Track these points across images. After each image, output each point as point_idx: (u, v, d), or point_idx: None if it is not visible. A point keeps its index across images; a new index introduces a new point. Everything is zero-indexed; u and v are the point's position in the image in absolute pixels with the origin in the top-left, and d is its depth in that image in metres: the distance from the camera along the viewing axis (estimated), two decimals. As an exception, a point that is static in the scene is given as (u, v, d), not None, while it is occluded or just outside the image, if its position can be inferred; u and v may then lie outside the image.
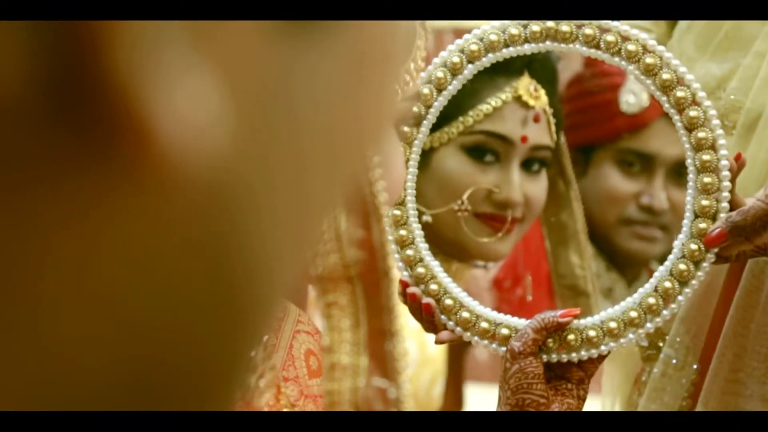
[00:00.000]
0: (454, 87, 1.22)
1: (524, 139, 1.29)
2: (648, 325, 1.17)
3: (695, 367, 1.33)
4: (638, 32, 1.16)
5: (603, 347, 1.18)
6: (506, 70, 1.28)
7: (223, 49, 0.23)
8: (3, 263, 0.23)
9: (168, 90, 0.22)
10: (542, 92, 1.31)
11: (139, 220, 0.24)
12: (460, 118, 1.29)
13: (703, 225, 1.15)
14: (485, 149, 1.30)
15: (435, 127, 1.27)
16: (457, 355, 2.18)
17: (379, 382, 0.46)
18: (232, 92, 0.24)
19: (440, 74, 1.21)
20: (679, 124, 1.16)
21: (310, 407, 0.76)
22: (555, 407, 1.15)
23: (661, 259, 1.19)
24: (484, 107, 1.29)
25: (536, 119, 1.30)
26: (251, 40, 0.24)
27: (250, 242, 0.25)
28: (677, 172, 1.54)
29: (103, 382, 0.24)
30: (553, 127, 1.32)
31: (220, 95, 0.23)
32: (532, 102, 1.30)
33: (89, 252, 0.23)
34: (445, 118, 1.27)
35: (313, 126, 0.26)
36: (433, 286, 1.21)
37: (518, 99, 1.29)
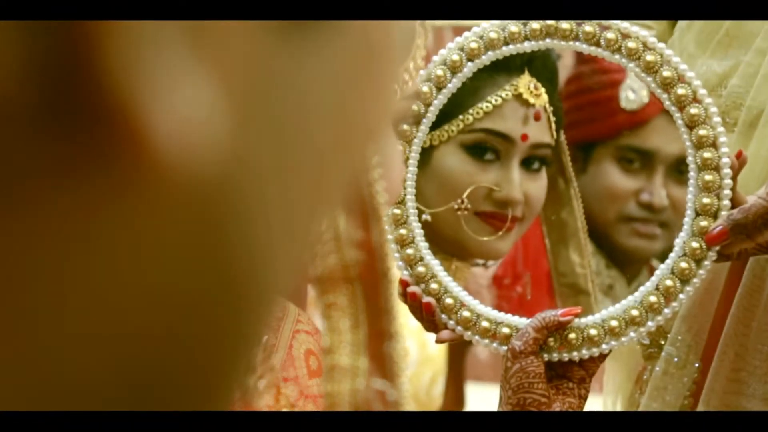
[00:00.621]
0: (453, 85, 1.22)
1: (524, 137, 1.29)
2: (649, 323, 1.17)
3: (697, 365, 1.33)
4: (638, 29, 1.16)
5: (604, 346, 1.18)
6: (507, 68, 1.28)
7: (220, 49, 0.23)
8: (5, 268, 0.23)
9: (165, 91, 0.22)
10: (543, 90, 1.31)
11: (138, 222, 0.24)
12: (460, 116, 1.29)
13: (704, 223, 1.15)
14: (485, 147, 1.29)
15: (435, 125, 1.26)
16: (458, 354, 2.18)
17: (378, 383, 0.46)
18: (230, 92, 0.24)
19: (440, 72, 1.21)
20: (680, 121, 1.16)
21: (309, 408, 0.76)
22: (556, 406, 1.15)
23: (661, 256, 1.19)
24: (485, 105, 1.29)
25: (537, 117, 1.30)
26: (249, 40, 0.24)
27: (249, 242, 0.25)
28: (677, 169, 1.54)
29: (103, 383, 0.24)
30: (554, 125, 1.32)
31: (218, 96, 0.23)
32: (532, 100, 1.29)
33: (90, 254, 0.23)
34: (445, 116, 1.26)
35: (312, 125, 0.26)
36: (434, 285, 1.21)
37: (519, 97, 1.29)
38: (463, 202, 1.27)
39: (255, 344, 0.27)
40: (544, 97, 1.30)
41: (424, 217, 1.26)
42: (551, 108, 1.32)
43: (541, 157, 1.31)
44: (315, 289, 0.45)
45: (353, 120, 0.28)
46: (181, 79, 0.22)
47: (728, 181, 1.15)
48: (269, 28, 0.24)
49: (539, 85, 1.30)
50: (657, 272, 1.18)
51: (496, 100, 1.28)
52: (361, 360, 0.45)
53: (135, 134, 0.22)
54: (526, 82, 1.29)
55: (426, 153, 1.28)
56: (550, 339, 1.18)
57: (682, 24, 1.40)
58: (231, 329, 0.26)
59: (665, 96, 1.15)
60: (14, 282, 0.23)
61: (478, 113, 1.29)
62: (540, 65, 1.31)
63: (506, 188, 1.28)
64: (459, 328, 1.20)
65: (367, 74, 0.28)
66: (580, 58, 1.55)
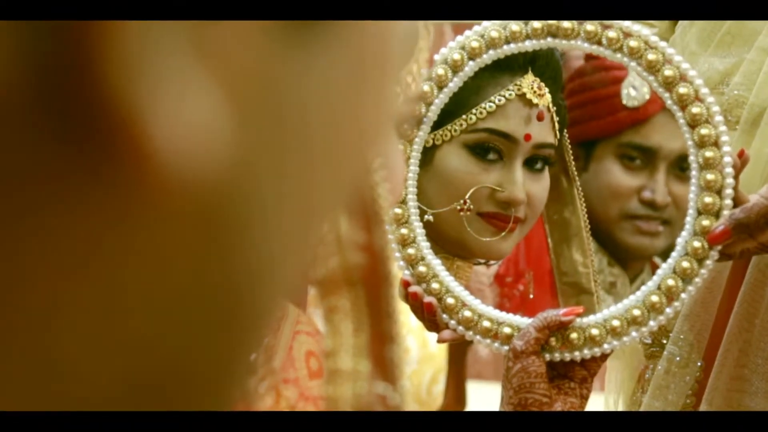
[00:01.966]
0: (455, 84, 1.22)
1: (528, 137, 1.28)
2: (651, 323, 1.17)
3: (699, 364, 1.33)
4: (640, 28, 1.16)
5: (606, 345, 1.18)
6: (510, 67, 1.28)
7: (222, 54, 0.23)
8: (9, 278, 0.23)
9: (168, 96, 0.22)
10: (546, 90, 1.30)
11: (141, 227, 0.23)
12: (463, 116, 1.28)
13: (706, 222, 1.15)
14: (488, 147, 1.29)
15: (438, 125, 1.26)
16: (459, 352, 2.18)
17: (380, 387, 0.46)
18: (232, 98, 0.23)
19: (441, 71, 1.21)
20: (681, 120, 1.16)
21: (309, 410, 0.75)
22: (558, 406, 1.15)
23: (664, 254, 1.19)
24: (488, 105, 1.28)
25: (540, 117, 1.29)
26: (251, 45, 0.24)
27: (252, 247, 0.25)
28: (679, 166, 1.54)
29: (105, 386, 0.24)
30: (557, 125, 1.32)
31: (221, 101, 0.23)
32: (535, 100, 1.29)
33: (91, 259, 0.23)
34: (448, 115, 1.26)
35: (313, 129, 0.26)
36: (435, 285, 1.21)
37: (522, 97, 1.29)
38: (465, 202, 1.27)
39: (256, 347, 0.27)
40: (548, 96, 1.30)
41: (426, 217, 1.26)
42: (554, 108, 1.31)
43: (544, 157, 1.31)
44: (317, 292, 0.45)
45: (355, 123, 0.27)
46: (184, 84, 0.22)
47: (730, 180, 1.15)
48: (271, 33, 0.24)
49: (543, 85, 1.30)
50: (659, 272, 1.18)
51: (499, 100, 1.28)
52: (363, 363, 0.45)
53: (136, 140, 0.22)
54: (529, 82, 1.29)
55: (428, 152, 1.28)
56: (552, 339, 1.18)
57: (684, 21, 1.40)
58: (233, 333, 0.26)
59: (667, 95, 1.15)
60: (17, 285, 0.23)
61: (481, 113, 1.28)
62: (543, 64, 1.30)
63: (509, 189, 1.28)
64: (460, 327, 1.20)
65: (368, 77, 0.27)
66: (585, 55, 1.55)
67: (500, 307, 1.23)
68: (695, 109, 1.15)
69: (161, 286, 0.24)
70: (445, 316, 1.21)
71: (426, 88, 1.20)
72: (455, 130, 1.28)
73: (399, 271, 1.23)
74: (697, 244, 1.15)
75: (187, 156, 0.22)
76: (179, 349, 0.25)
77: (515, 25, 1.19)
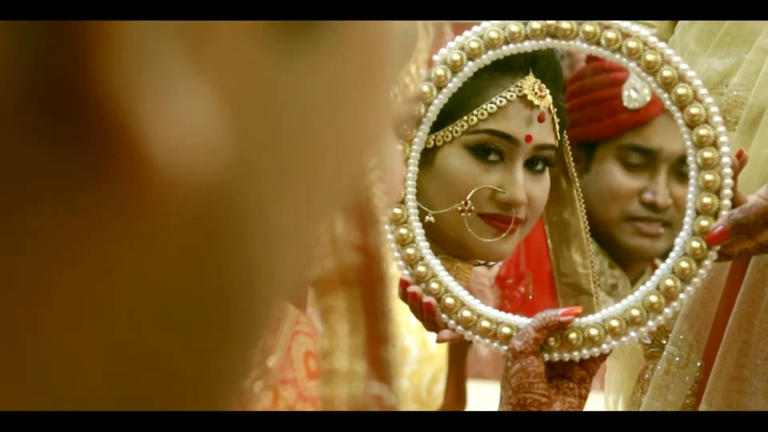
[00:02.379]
0: (454, 84, 1.22)
1: (528, 138, 1.28)
2: (650, 323, 1.17)
3: (699, 364, 1.33)
4: (639, 29, 1.16)
5: (605, 345, 1.18)
6: (511, 69, 1.28)
7: (218, 56, 0.23)
8: (6, 278, 0.23)
9: (163, 98, 0.22)
10: (547, 92, 1.30)
11: (139, 232, 0.23)
12: (465, 117, 1.28)
13: (704, 222, 1.15)
14: (489, 148, 1.29)
15: (439, 126, 1.26)
16: (459, 352, 2.18)
17: (376, 388, 0.46)
18: (227, 99, 0.23)
19: (440, 72, 1.21)
20: (680, 121, 1.16)
21: (308, 410, 0.75)
22: (557, 406, 1.15)
23: (665, 256, 1.19)
24: (489, 106, 1.28)
25: (541, 119, 1.29)
26: (246, 47, 0.24)
27: (249, 249, 0.25)
28: (680, 168, 1.54)
29: (102, 385, 0.24)
30: (557, 127, 1.32)
31: (216, 103, 0.23)
32: (537, 101, 1.29)
33: (92, 264, 0.23)
34: (450, 116, 1.26)
35: (310, 130, 0.26)
36: (434, 285, 1.21)
37: (523, 98, 1.29)
38: (466, 203, 1.27)
39: (252, 348, 0.27)
40: (549, 98, 1.30)
41: (427, 218, 1.26)
42: (555, 109, 1.31)
43: (544, 158, 1.31)
44: (313, 292, 0.45)
45: (353, 124, 0.27)
46: (180, 86, 0.22)
47: (729, 181, 1.15)
48: (269, 34, 0.24)
49: (543, 86, 1.30)
50: (657, 272, 1.18)
51: (500, 102, 1.28)
52: (359, 364, 0.45)
53: (132, 141, 0.22)
54: (530, 84, 1.29)
55: (429, 153, 1.28)
56: (551, 339, 1.18)
57: (683, 22, 1.40)
58: (231, 333, 0.26)
59: (666, 96, 1.15)
60: (15, 286, 0.23)
61: (482, 114, 1.28)
62: (544, 66, 1.30)
63: (510, 190, 1.28)
64: (459, 327, 1.20)
65: (365, 78, 0.27)
66: (587, 57, 1.55)
67: (501, 308, 1.23)
68: (694, 110, 1.15)
69: (159, 287, 0.24)
70: (444, 315, 1.21)
71: (425, 88, 1.20)
72: (456, 131, 1.28)
73: (398, 271, 1.23)
74: (695, 244, 1.15)
75: (184, 158, 0.22)
76: (177, 349, 0.25)
77: (514, 26, 1.19)
